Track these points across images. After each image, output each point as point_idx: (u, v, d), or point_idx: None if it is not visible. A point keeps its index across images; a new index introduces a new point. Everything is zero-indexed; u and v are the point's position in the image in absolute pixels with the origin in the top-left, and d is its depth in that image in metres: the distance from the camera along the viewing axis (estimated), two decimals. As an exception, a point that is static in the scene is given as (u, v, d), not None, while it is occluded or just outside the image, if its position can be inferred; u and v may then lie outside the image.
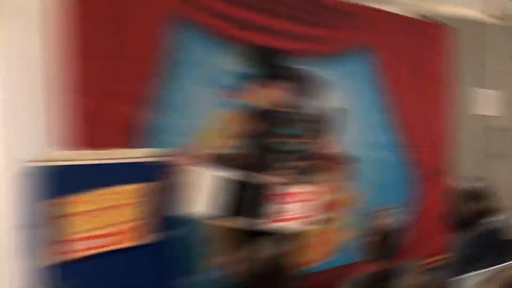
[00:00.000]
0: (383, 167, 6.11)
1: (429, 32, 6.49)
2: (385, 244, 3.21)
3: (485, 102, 7.19)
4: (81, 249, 3.48)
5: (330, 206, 5.26)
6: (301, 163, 4.32)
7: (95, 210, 3.51)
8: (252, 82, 4.30)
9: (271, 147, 4.20)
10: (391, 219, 3.30)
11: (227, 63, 4.81)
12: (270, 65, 4.32)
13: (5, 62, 4.06)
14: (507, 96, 7.36)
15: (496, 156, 7.30)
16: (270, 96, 4.24)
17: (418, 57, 6.40)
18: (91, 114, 4.15)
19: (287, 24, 5.22)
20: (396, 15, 6.28)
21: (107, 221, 3.56)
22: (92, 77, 4.18)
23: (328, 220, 5.30)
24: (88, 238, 3.50)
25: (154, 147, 4.01)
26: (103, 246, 3.55)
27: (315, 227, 4.72)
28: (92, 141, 4.05)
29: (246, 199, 3.96)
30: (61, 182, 3.38)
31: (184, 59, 4.68)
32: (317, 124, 4.53)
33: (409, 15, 6.46)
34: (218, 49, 4.85)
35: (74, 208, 3.45)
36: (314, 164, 4.43)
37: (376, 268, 3.18)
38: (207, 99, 4.76)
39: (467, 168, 6.85)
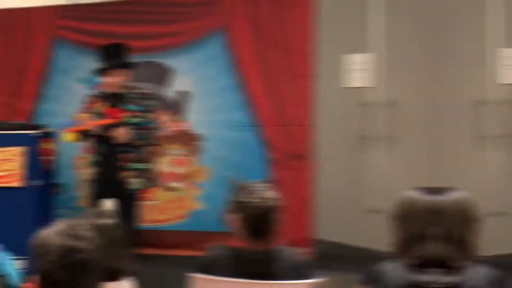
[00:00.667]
0: (237, 146, 6.38)
1: (287, 4, 6.32)
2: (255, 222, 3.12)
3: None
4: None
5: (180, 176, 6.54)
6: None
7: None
8: (103, 74, 5.43)
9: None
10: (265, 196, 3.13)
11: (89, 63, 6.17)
12: (112, 58, 5.38)
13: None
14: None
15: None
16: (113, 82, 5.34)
17: (274, 32, 6.34)
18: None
19: (137, 28, 6.48)
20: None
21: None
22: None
23: (178, 188, 6.56)
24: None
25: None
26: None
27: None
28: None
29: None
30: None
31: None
32: (149, 101, 5.46)
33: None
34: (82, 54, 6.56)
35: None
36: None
37: (246, 246, 3.12)
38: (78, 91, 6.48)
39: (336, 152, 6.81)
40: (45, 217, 5.61)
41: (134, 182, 5.31)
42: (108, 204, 5.20)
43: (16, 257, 5.09)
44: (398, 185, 5.69)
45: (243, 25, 6.40)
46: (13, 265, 3.36)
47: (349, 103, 6.79)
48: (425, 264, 2.65)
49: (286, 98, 6.32)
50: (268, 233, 3.13)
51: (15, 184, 5.59)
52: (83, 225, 2.02)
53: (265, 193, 3.15)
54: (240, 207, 3.14)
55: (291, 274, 3.13)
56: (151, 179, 5.47)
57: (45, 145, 5.71)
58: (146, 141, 5.33)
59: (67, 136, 5.29)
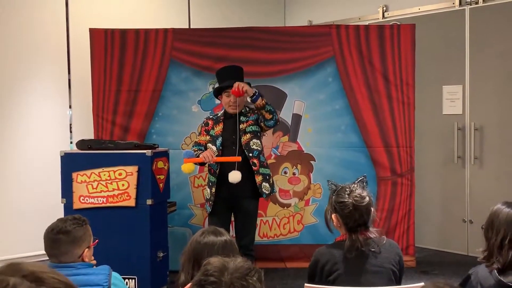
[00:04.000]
0: (348, 165, 6.78)
1: (387, 35, 6.77)
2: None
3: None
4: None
5: (294, 193, 6.93)
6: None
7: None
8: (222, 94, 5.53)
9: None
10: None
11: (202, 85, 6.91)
12: (232, 79, 5.44)
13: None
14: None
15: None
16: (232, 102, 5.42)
17: (376, 60, 6.78)
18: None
19: (257, 54, 6.86)
20: (356, 26, 7.06)
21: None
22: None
23: (293, 205, 6.93)
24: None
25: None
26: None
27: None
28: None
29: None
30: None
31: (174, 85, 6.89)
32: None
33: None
34: (196, 76, 6.91)
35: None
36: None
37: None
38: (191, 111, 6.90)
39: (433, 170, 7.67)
40: (158, 236, 5.76)
41: (265, 187, 5.46)
42: (235, 175, 5.28)
43: (127, 277, 5.38)
44: (486, 198, 6.59)
45: (351, 55, 6.82)
46: (125, 285, 3.54)
47: (443, 127, 7.54)
48: (511, 267, 3.02)
49: (390, 122, 6.81)
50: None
51: (128, 203, 5.56)
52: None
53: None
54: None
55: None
56: (273, 185, 5.62)
57: (159, 164, 5.71)
58: (270, 109, 5.41)
59: (186, 167, 5.30)
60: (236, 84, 5.26)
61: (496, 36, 7.09)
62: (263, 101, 5.34)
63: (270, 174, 5.59)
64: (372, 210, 3.48)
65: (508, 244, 3.08)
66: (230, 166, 5.36)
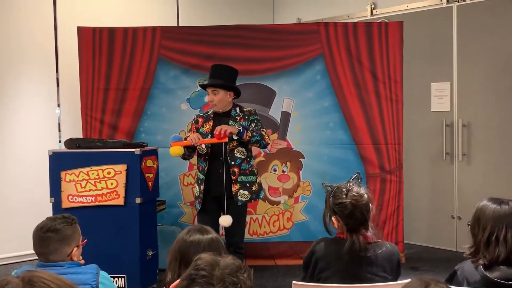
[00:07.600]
0: (337, 162, 6.83)
1: (375, 33, 6.80)
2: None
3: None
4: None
5: (284, 191, 6.95)
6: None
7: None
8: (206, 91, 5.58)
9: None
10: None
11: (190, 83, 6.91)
12: (216, 78, 5.48)
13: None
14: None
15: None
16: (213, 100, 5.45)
17: (364, 58, 6.80)
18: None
19: (246, 52, 6.84)
20: (344, 23, 7.13)
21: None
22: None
23: (282, 202, 6.95)
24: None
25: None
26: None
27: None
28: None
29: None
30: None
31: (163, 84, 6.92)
32: (254, 116, 5.54)
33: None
34: (184, 75, 6.92)
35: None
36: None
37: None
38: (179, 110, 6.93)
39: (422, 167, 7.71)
40: (147, 234, 5.76)
41: (242, 195, 5.43)
42: (225, 219, 5.27)
43: (117, 275, 5.39)
44: (474, 195, 6.59)
45: (339, 52, 6.84)
46: (113, 284, 3.53)
47: (432, 124, 7.59)
48: (497, 263, 3.03)
49: (379, 119, 6.83)
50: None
51: (117, 202, 5.57)
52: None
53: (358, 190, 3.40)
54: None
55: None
56: (257, 192, 5.58)
57: (148, 163, 5.72)
58: (257, 139, 5.36)
59: (174, 150, 5.29)
60: (218, 129, 5.21)
61: (483, 33, 7.13)
62: (248, 134, 5.32)
63: (254, 181, 5.54)
64: (371, 207, 3.42)
65: (495, 240, 3.08)
66: (219, 164, 5.37)
